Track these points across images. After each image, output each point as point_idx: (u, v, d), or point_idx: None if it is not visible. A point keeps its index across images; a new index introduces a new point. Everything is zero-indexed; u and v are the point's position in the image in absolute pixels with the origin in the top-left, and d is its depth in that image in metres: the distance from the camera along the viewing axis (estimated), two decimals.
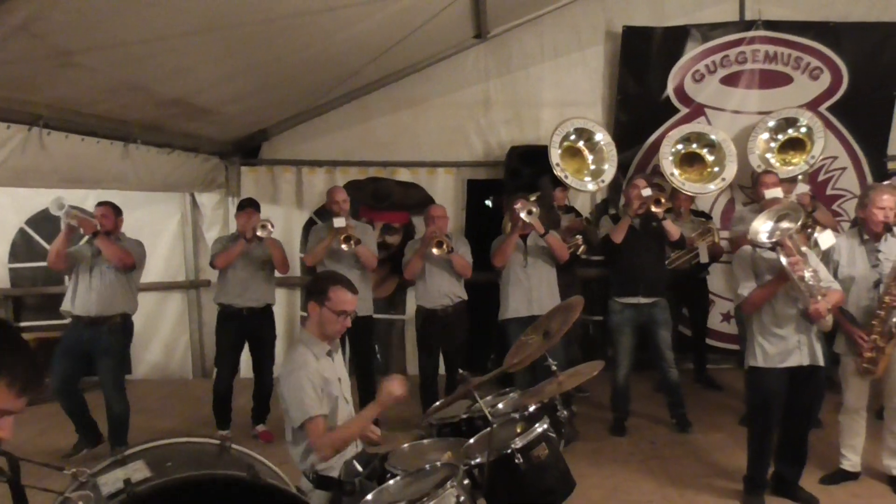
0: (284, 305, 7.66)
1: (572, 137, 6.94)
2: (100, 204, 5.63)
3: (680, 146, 6.98)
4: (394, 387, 3.19)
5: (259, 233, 5.81)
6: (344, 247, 5.83)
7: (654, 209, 5.66)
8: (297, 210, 7.71)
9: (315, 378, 3.21)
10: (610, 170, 6.94)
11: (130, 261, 5.59)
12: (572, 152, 6.99)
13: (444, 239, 5.77)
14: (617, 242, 5.75)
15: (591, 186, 7.00)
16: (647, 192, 5.71)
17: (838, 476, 4.79)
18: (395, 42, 6.31)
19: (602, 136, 7.00)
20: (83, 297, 5.48)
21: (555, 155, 6.71)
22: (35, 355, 1.78)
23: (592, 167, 7.02)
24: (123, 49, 4.19)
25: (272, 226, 5.91)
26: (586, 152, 7.02)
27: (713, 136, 7.01)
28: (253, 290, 5.98)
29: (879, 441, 4.80)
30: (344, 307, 3.32)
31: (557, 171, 6.69)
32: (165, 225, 7.79)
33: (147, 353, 7.80)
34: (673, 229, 5.78)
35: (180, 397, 7.17)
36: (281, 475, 2.68)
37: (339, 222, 5.86)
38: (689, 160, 7.03)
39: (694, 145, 7.04)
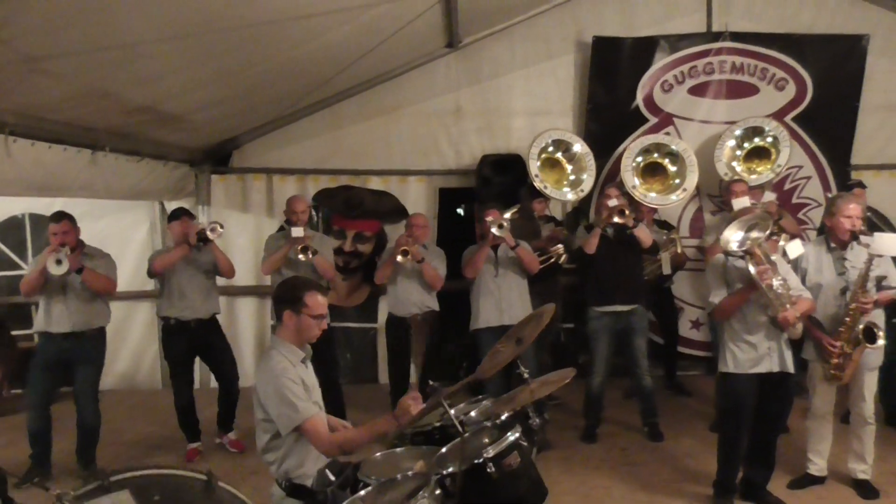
0: (255, 314, 7.62)
1: (550, 149, 6.98)
2: (58, 219, 5.27)
3: (640, 158, 7.05)
4: (410, 404, 3.16)
5: (211, 235, 5.70)
6: (301, 257, 5.79)
7: (618, 219, 5.72)
8: (267, 218, 7.66)
9: (298, 381, 3.22)
10: (589, 179, 6.99)
11: (114, 287, 5.52)
12: (551, 163, 7.04)
13: (410, 248, 5.75)
14: (589, 253, 5.79)
15: (570, 196, 7.05)
16: (613, 202, 5.77)
17: (805, 480, 4.86)
18: (367, 51, 6.32)
19: (580, 147, 7.05)
20: (59, 315, 5.32)
21: (534, 167, 6.75)
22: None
23: (572, 177, 7.07)
24: (92, 55, 4.14)
25: (222, 227, 5.84)
26: (565, 163, 7.08)
27: (674, 147, 7.09)
28: (201, 301, 5.86)
29: (845, 445, 4.88)
30: (321, 310, 3.34)
31: (537, 183, 6.73)
32: (134, 234, 7.69)
33: (115, 363, 7.67)
34: (645, 236, 5.84)
35: (149, 408, 7.07)
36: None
37: (296, 232, 5.83)
38: (651, 170, 7.10)
39: (655, 155, 7.11)
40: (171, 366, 6.05)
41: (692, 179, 6.97)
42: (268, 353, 3.38)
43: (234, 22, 4.46)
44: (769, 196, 5.81)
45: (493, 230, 5.62)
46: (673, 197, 6.98)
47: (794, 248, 4.77)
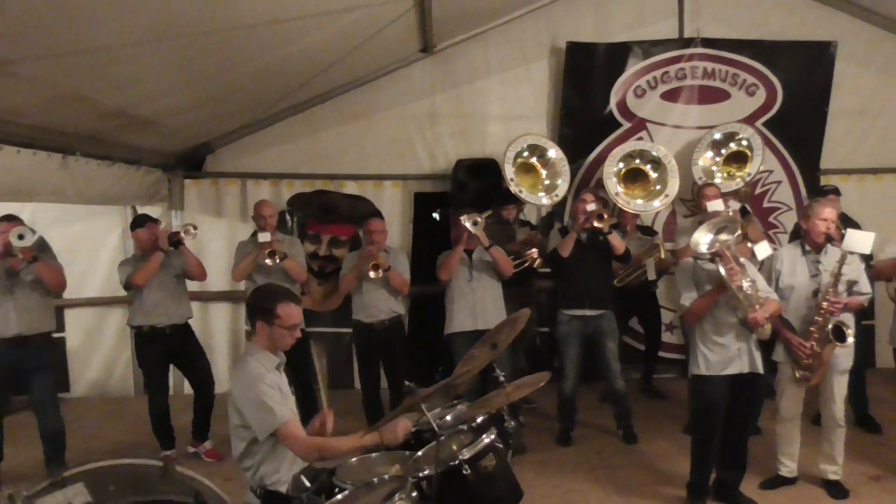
0: (229, 320, 7.57)
1: (525, 154, 7.01)
2: (4, 219, 5.27)
3: (622, 164, 7.10)
4: (400, 430, 3.19)
5: (185, 237, 5.66)
6: (268, 261, 5.76)
7: (596, 224, 5.76)
8: (241, 223, 7.60)
9: (275, 386, 3.22)
10: (563, 184, 7.02)
11: (65, 280, 5.45)
12: (526, 168, 7.06)
13: (380, 262, 5.74)
14: (564, 256, 5.82)
15: (545, 201, 7.07)
16: (591, 206, 5.81)
17: (776, 481, 4.93)
18: (342, 55, 6.31)
19: (555, 152, 7.08)
20: (3, 318, 5.21)
21: (509, 171, 6.78)
22: None
23: (547, 182, 7.09)
24: (64, 59, 4.10)
25: (194, 228, 5.79)
26: (540, 168, 7.10)
27: (655, 153, 7.15)
28: (175, 307, 5.81)
29: (816, 446, 4.95)
30: (294, 321, 3.33)
31: (513, 187, 6.76)
32: (105, 239, 7.60)
33: (86, 370, 7.61)
34: (618, 243, 5.89)
35: (121, 416, 6.98)
36: (225, 499, 2.64)
37: (263, 237, 5.81)
38: (632, 176, 7.15)
39: (637, 161, 7.16)
40: (146, 373, 5.98)
41: (674, 185, 7.02)
42: (243, 359, 3.37)
43: (208, 26, 4.44)
44: (734, 205, 5.88)
45: (468, 225, 5.63)
46: (656, 203, 7.03)
47: (763, 249, 4.84)
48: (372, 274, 5.71)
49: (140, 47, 4.34)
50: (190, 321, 6.05)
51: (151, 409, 5.83)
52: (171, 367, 6.24)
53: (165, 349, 5.84)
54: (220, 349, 7.49)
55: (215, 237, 7.51)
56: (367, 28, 5.95)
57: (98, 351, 7.64)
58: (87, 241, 7.40)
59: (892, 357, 4.99)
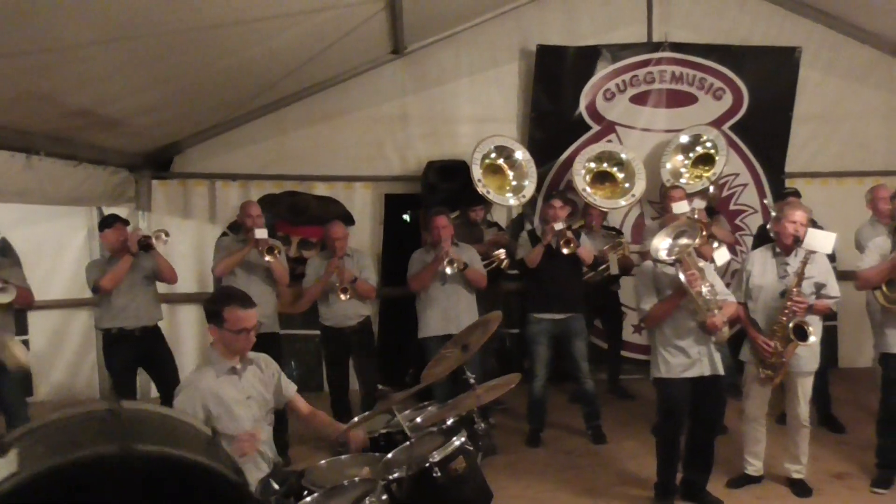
0: (197, 323, 7.48)
1: (492, 155, 7.04)
2: None
3: (592, 164, 7.16)
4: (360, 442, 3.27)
5: (155, 242, 5.60)
6: (268, 258, 5.70)
7: (564, 251, 5.81)
8: (210, 224, 7.54)
9: (198, 398, 3.21)
10: (530, 186, 7.06)
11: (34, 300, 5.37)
12: (493, 169, 7.08)
13: (347, 285, 5.70)
14: (532, 267, 5.86)
15: (512, 202, 7.11)
16: (559, 226, 5.83)
17: (742, 480, 4.99)
18: (312, 56, 6.29)
19: (522, 154, 7.12)
20: None
21: (476, 171, 6.79)
22: None
23: (514, 183, 7.12)
24: (28, 57, 4.04)
25: (166, 234, 5.73)
26: (507, 169, 7.13)
27: (623, 155, 7.22)
28: (144, 309, 5.73)
29: (781, 445, 5.02)
30: (241, 325, 3.27)
31: (480, 188, 6.77)
32: (71, 240, 7.47)
33: (50, 373, 7.47)
34: (587, 255, 5.96)
35: None
36: (192, 424, 2.38)
37: (260, 233, 5.74)
38: (600, 179, 7.21)
39: (605, 164, 7.23)
40: (114, 377, 5.89)
41: (640, 186, 7.10)
42: (199, 364, 3.41)
43: (175, 25, 4.40)
44: (699, 203, 5.96)
45: (447, 269, 5.62)
46: (622, 202, 7.10)
47: (721, 255, 4.92)
48: (343, 297, 5.69)
49: (106, 46, 4.29)
50: (159, 324, 5.97)
51: None
52: (140, 370, 6.15)
53: (134, 352, 5.75)
54: (189, 352, 7.40)
55: (183, 239, 7.42)
56: (336, 29, 5.93)
57: (62, 354, 7.51)
58: (52, 243, 7.28)
59: (855, 358, 5.06)
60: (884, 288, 4.79)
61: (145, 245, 5.62)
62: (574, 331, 5.95)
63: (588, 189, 6.99)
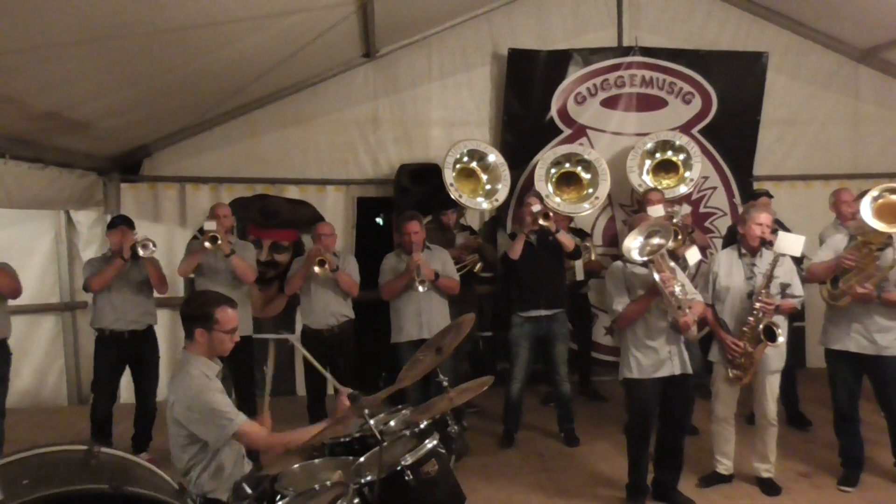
0: (167, 326, 7.39)
1: (465, 159, 7.04)
2: None
3: (553, 169, 7.20)
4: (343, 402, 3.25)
5: (141, 252, 5.57)
6: (207, 245, 5.63)
7: (542, 223, 5.81)
8: (180, 228, 7.47)
9: (222, 391, 3.21)
10: (503, 189, 7.07)
11: (21, 287, 5.32)
12: (466, 173, 7.09)
13: (326, 257, 5.70)
14: (514, 259, 5.87)
15: (485, 206, 7.12)
16: (536, 207, 5.86)
17: (713, 479, 5.05)
18: (283, 59, 6.26)
19: (495, 157, 7.13)
20: None
21: (449, 175, 6.80)
22: None
23: (487, 187, 7.14)
24: None
25: (154, 245, 5.69)
26: (480, 173, 7.14)
27: (586, 155, 7.27)
28: (133, 312, 5.73)
29: (750, 445, 5.08)
30: (233, 324, 3.31)
31: (452, 192, 6.78)
32: (37, 244, 7.37)
33: (17, 379, 7.31)
34: (567, 241, 5.95)
35: (54, 426, 6.76)
36: (162, 476, 2.52)
37: (209, 225, 5.70)
38: (566, 180, 7.25)
39: (567, 165, 7.27)
40: (96, 376, 5.84)
41: (604, 188, 7.14)
42: (184, 369, 3.29)
43: (144, 27, 4.36)
44: (686, 209, 6.02)
45: (420, 288, 5.59)
46: (585, 205, 7.13)
47: (693, 254, 4.97)
48: (317, 269, 5.65)
49: (73, 48, 4.23)
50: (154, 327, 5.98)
51: (93, 413, 5.71)
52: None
53: (121, 354, 5.75)
54: (160, 357, 7.31)
55: None
56: (307, 32, 5.91)
57: (29, 360, 7.37)
58: (18, 247, 7.14)
59: (823, 357, 5.15)
60: (828, 285, 4.90)
61: (135, 253, 5.58)
62: (556, 333, 5.96)
63: (551, 192, 7.03)
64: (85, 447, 2.27)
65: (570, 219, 7.12)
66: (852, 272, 4.73)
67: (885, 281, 4.67)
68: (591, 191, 7.19)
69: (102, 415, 5.69)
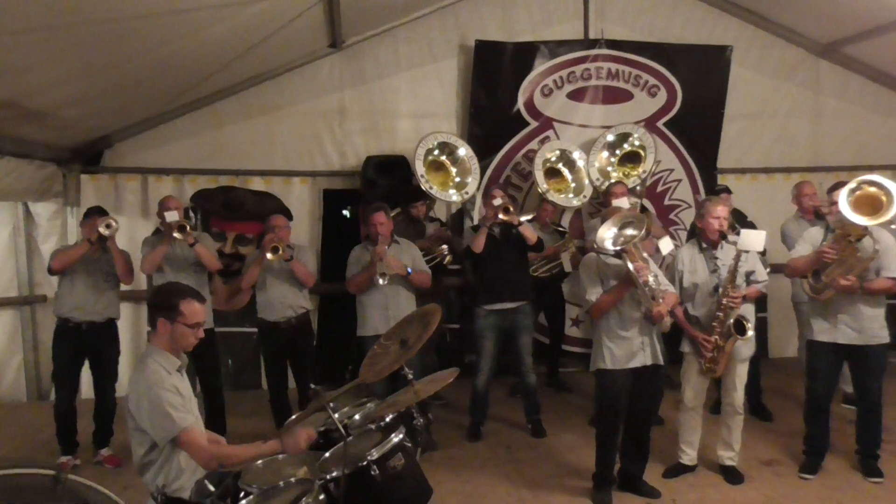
0: (130, 320, 7.28)
1: (435, 152, 7.02)
2: None
3: (553, 157, 7.23)
4: (303, 440, 3.04)
5: (102, 230, 5.42)
6: (177, 235, 5.52)
7: (502, 217, 5.81)
8: (142, 220, 7.34)
9: (174, 390, 3.10)
10: (473, 182, 7.07)
11: None
12: (437, 165, 7.07)
13: (279, 244, 5.64)
14: (477, 252, 5.86)
15: (455, 198, 7.10)
16: (497, 201, 5.87)
17: (678, 469, 5.11)
18: (247, 48, 6.17)
19: (465, 150, 7.11)
20: None
21: (419, 168, 6.77)
22: None
23: (457, 179, 7.11)
24: None
25: (116, 223, 5.57)
26: (450, 165, 7.11)
27: (575, 156, 7.35)
28: (94, 303, 5.61)
29: (714, 434, 5.15)
30: (197, 319, 3.24)
31: (423, 184, 6.75)
32: None
33: None
34: (529, 233, 5.95)
35: (13, 422, 6.64)
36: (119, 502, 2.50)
37: (171, 216, 5.59)
38: (550, 174, 7.27)
39: (560, 164, 7.32)
40: (56, 368, 5.73)
41: (589, 188, 7.21)
42: (142, 361, 3.23)
43: (104, 14, 4.25)
44: (633, 200, 6.09)
45: (380, 280, 5.49)
46: (574, 201, 7.23)
47: (666, 244, 5.01)
48: (270, 255, 5.58)
49: (30, 35, 4.12)
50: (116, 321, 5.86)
51: (56, 407, 5.61)
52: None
53: (78, 346, 5.62)
54: (122, 351, 7.19)
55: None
56: (272, 21, 5.83)
57: None
58: None
59: (785, 348, 5.23)
60: (809, 278, 4.97)
61: (102, 237, 5.46)
62: (521, 325, 5.97)
63: (545, 185, 7.05)
64: (53, 472, 2.24)
65: (555, 211, 7.14)
66: (834, 265, 4.78)
67: (866, 271, 4.74)
68: (574, 185, 7.24)
69: (65, 409, 5.59)
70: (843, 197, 4.60)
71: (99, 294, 5.65)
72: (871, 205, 4.56)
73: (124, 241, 7.04)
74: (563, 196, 7.20)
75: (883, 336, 4.85)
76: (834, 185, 5.23)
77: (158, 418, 3.03)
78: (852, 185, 4.63)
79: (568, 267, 6.90)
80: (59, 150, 6.91)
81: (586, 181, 7.27)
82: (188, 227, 5.60)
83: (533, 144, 7.61)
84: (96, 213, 5.71)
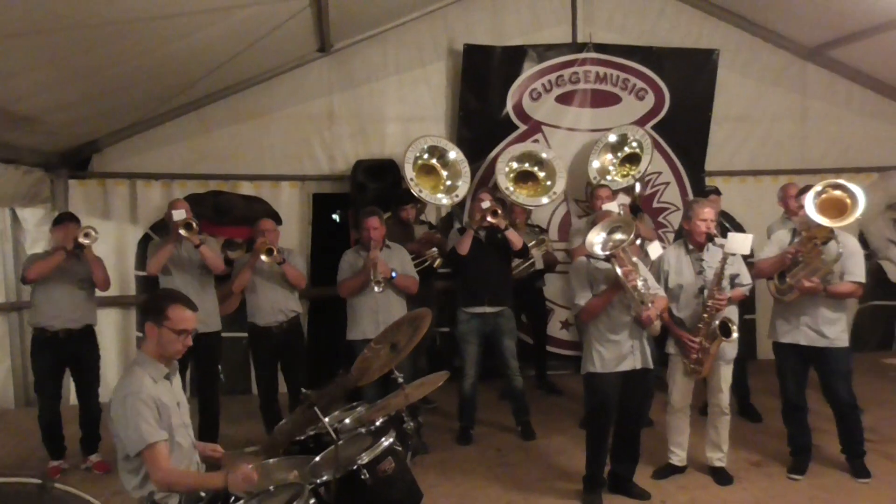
0: (118, 327, 7.25)
1: (426, 156, 6.99)
2: None
3: (514, 164, 7.21)
4: (248, 476, 2.95)
5: (82, 240, 5.39)
6: (183, 232, 5.51)
7: (490, 220, 5.82)
8: (130, 225, 7.32)
9: (151, 403, 3.05)
10: (464, 185, 7.03)
11: None
12: (427, 169, 7.05)
13: (273, 247, 5.64)
14: (462, 254, 5.87)
15: (445, 201, 7.08)
16: (485, 204, 5.88)
17: (667, 470, 5.13)
18: (236, 53, 6.17)
19: (455, 154, 7.09)
20: None
21: (409, 172, 6.76)
22: None
23: (448, 183, 7.08)
24: None
25: (96, 232, 5.54)
26: (440, 169, 7.10)
27: (543, 154, 7.30)
28: (71, 311, 5.55)
29: (703, 435, 5.18)
30: (184, 325, 3.19)
31: (413, 188, 6.75)
32: None
33: None
34: (515, 238, 5.97)
35: (2, 428, 6.60)
36: None
37: (178, 215, 5.57)
38: (523, 178, 7.26)
39: (526, 164, 7.28)
40: (37, 377, 5.69)
41: (561, 184, 7.18)
42: (129, 368, 3.23)
43: (92, 19, 4.25)
44: (623, 199, 6.11)
45: (376, 288, 5.48)
46: (544, 199, 7.16)
47: (655, 249, 5.03)
48: (265, 257, 5.57)
49: (17, 39, 4.10)
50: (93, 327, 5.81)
51: (40, 417, 5.57)
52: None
53: (57, 354, 5.57)
54: (109, 357, 7.12)
55: (103, 240, 6.97)
56: (260, 26, 5.84)
57: None
58: None
59: (772, 350, 5.27)
60: (775, 279, 5.02)
61: (78, 244, 5.43)
62: (504, 329, 5.99)
63: (511, 188, 7.06)
64: (40, 480, 2.23)
65: (528, 213, 7.16)
66: (799, 266, 4.83)
67: (829, 274, 4.80)
68: (548, 184, 7.21)
69: (50, 417, 5.56)
70: (809, 199, 4.66)
71: (75, 301, 5.59)
72: (836, 208, 4.64)
73: (112, 247, 7.07)
74: (534, 198, 7.18)
75: (843, 339, 4.93)
76: (802, 188, 5.29)
77: (129, 429, 3.00)
78: (818, 187, 4.69)
79: (540, 264, 6.95)
80: (46, 156, 6.88)
81: (558, 177, 7.22)
82: (194, 225, 5.57)
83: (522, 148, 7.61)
84: (68, 219, 5.65)
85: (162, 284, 5.76)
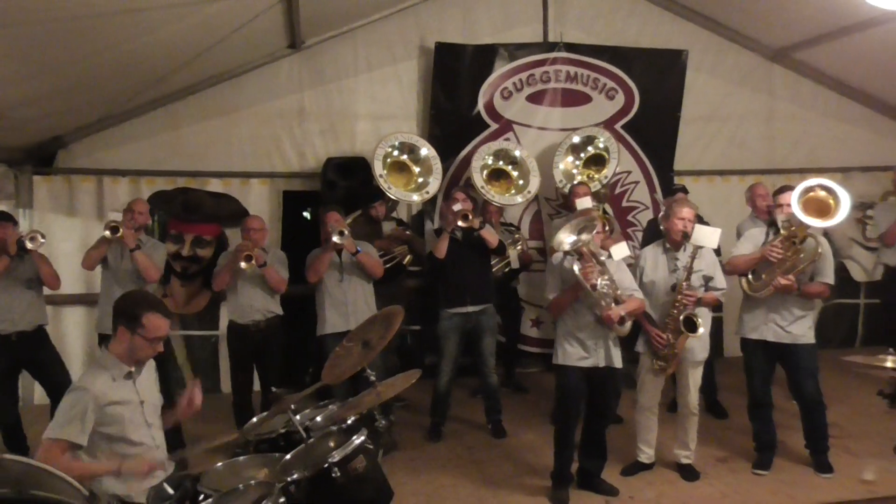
0: (84, 325, 7.15)
1: (395, 153, 6.95)
2: None
3: (490, 160, 7.22)
4: (144, 467, 3.03)
5: (29, 245, 5.29)
6: (106, 233, 5.44)
7: (461, 224, 5.85)
8: (97, 223, 7.17)
9: (91, 404, 3.03)
10: (435, 182, 6.98)
11: None
12: (399, 166, 6.99)
13: (253, 253, 5.61)
14: (440, 258, 5.88)
15: (415, 198, 7.05)
16: (457, 207, 5.89)
17: (636, 467, 5.19)
18: (205, 48, 6.11)
19: (427, 150, 7.04)
20: None
21: (378, 168, 6.72)
22: None
23: (420, 180, 7.02)
24: None
25: (43, 237, 5.44)
26: (412, 165, 7.06)
27: (517, 153, 7.29)
28: (22, 313, 5.45)
29: (672, 432, 5.24)
30: (158, 334, 3.17)
31: (382, 184, 6.72)
32: None
33: None
34: (491, 237, 5.99)
35: None
36: (71, 482, 2.44)
37: (114, 216, 5.52)
38: (496, 176, 7.26)
39: (500, 162, 7.29)
40: None
41: (535, 183, 7.20)
42: (91, 367, 3.22)
43: (59, 13, 4.17)
44: (594, 203, 6.17)
45: (335, 238, 5.57)
46: (518, 198, 7.17)
47: (619, 250, 5.07)
48: (243, 264, 5.55)
49: None
50: (46, 327, 5.69)
51: None
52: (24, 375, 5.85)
53: (12, 357, 5.46)
54: (75, 354, 7.06)
55: (68, 237, 7.06)
56: (230, 21, 5.78)
57: None
58: None
59: (739, 347, 5.35)
60: (749, 276, 5.09)
61: (22, 247, 5.32)
62: (485, 326, 6.01)
63: (485, 186, 7.06)
64: None
65: (501, 212, 7.17)
66: (775, 264, 4.90)
67: (802, 273, 4.87)
68: (521, 182, 7.21)
69: (9, 420, 5.48)
70: (795, 198, 4.72)
71: (24, 302, 5.49)
72: (818, 208, 4.71)
73: (78, 244, 6.94)
74: (507, 196, 7.18)
75: (809, 337, 5.03)
76: (780, 187, 5.37)
77: (57, 416, 3.06)
78: (803, 187, 4.75)
79: (516, 263, 6.95)
80: (10, 151, 6.77)
81: (531, 176, 7.24)
82: (120, 230, 5.47)
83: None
84: (4, 219, 5.52)
85: (101, 282, 5.70)
